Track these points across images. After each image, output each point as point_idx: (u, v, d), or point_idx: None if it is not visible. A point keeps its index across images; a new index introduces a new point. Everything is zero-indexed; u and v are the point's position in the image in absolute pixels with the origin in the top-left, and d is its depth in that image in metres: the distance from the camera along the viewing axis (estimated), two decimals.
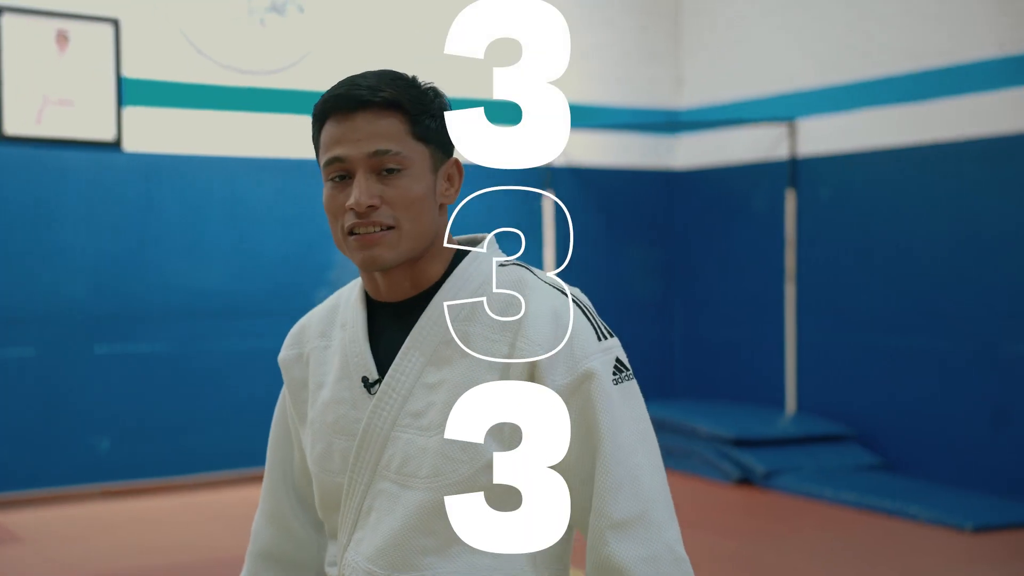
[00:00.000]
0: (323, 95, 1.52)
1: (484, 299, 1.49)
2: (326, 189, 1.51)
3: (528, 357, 1.44)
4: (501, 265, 1.54)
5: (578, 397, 1.45)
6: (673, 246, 8.15)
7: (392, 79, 1.52)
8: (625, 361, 1.52)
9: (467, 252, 1.56)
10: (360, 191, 1.45)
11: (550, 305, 1.48)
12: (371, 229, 1.46)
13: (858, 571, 4.77)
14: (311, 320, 1.66)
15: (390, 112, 1.49)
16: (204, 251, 6.47)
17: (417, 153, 1.50)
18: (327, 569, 1.62)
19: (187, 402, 6.34)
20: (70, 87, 6.06)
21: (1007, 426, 5.90)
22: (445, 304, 1.49)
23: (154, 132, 6.33)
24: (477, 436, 1.40)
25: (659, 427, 6.97)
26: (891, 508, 5.50)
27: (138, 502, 5.95)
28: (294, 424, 1.67)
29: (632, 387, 1.52)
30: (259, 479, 6.25)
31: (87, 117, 6.12)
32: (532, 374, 1.45)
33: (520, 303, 1.48)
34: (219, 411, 6.43)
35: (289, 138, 6.60)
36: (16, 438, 5.92)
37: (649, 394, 8.10)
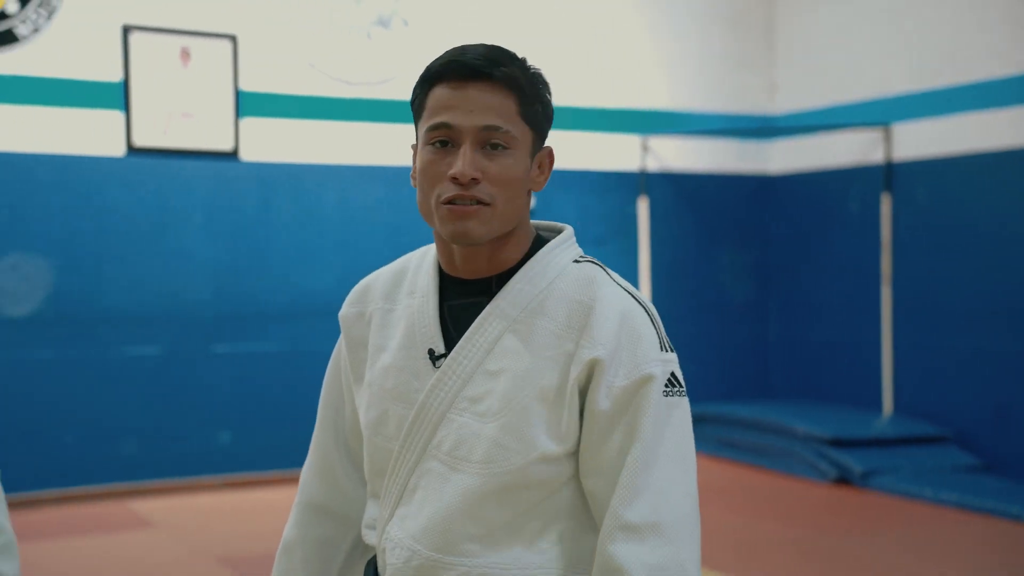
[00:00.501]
0: (436, 59, 1.50)
1: (554, 293, 1.49)
2: (425, 153, 1.48)
3: (590, 354, 1.44)
4: (576, 261, 1.54)
5: (627, 397, 1.44)
6: (768, 249, 8.24)
7: (508, 56, 1.50)
8: (680, 377, 1.50)
9: (543, 241, 1.56)
10: (465, 162, 1.43)
11: (619, 307, 1.48)
12: (468, 203, 1.44)
13: (961, 568, 4.83)
14: (376, 280, 1.63)
15: (505, 89, 1.47)
16: (315, 254, 6.78)
17: (522, 134, 1.48)
18: (364, 531, 1.60)
19: (301, 398, 6.64)
20: (192, 100, 6.43)
21: None
22: (516, 294, 1.49)
23: (269, 142, 6.67)
24: (533, 429, 1.43)
25: (755, 427, 7.08)
26: (992, 508, 5.53)
27: (257, 492, 6.28)
28: (348, 381, 1.64)
29: (682, 404, 1.49)
30: None
31: (207, 128, 6.48)
32: (592, 372, 1.44)
33: (587, 297, 1.48)
34: None
35: (396, 146, 6.88)
36: (144, 431, 6.29)
37: (744, 394, 8.25)
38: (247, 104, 6.60)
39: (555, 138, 6.66)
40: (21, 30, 6.00)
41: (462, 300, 1.52)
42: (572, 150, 7.51)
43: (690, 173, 7.99)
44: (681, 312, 7.84)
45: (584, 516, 1.50)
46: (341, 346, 1.64)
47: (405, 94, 6.85)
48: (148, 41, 6.31)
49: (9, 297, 5.95)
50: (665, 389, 1.45)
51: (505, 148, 1.45)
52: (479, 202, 1.44)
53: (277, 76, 6.68)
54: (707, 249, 8.05)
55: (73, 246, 6.11)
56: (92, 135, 6.22)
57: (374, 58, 6.92)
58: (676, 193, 7.94)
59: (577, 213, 7.58)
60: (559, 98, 7.47)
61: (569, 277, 1.50)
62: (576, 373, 1.44)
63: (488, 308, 1.49)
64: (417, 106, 1.52)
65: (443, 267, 1.55)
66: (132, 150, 6.29)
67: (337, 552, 1.68)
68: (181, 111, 6.40)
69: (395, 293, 1.59)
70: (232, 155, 6.56)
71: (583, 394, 1.45)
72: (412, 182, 1.51)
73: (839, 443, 6.50)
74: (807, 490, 6.32)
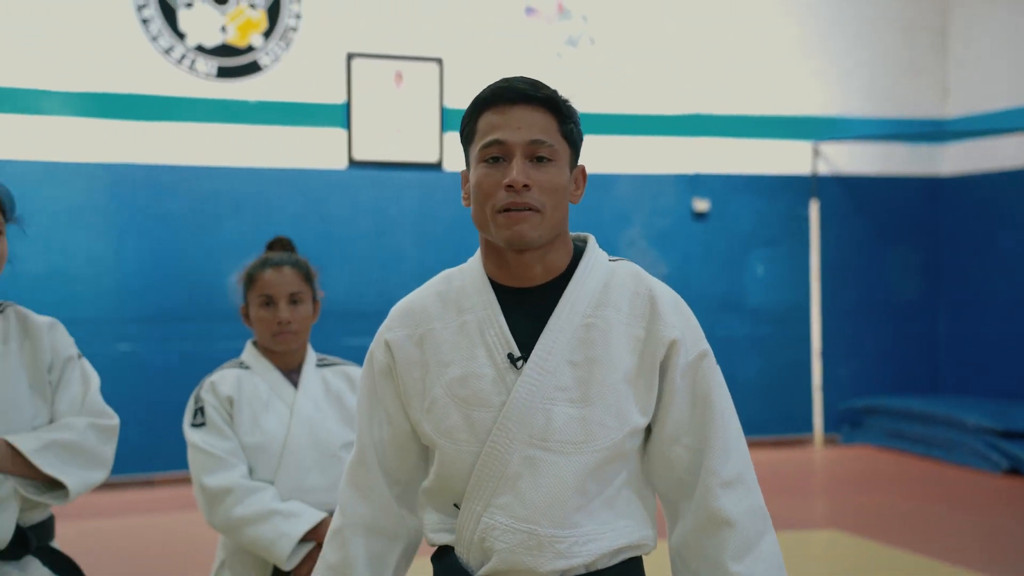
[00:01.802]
0: (482, 91, 1.68)
1: (612, 288, 1.67)
2: (479, 170, 1.64)
3: (668, 336, 1.64)
4: (611, 260, 1.72)
5: (693, 371, 1.67)
6: (937, 249, 8.48)
7: (545, 85, 1.69)
8: None
9: (578, 247, 1.73)
10: (518, 171, 1.60)
11: (670, 295, 1.70)
12: (521, 209, 1.60)
13: None
14: (417, 305, 1.72)
15: (546, 109, 1.65)
16: None
17: (562, 149, 1.66)
18: (432, 535, 1.68)
19: None
20: (403, 118, 7.18)
21: None
22: (580, 292, 1.66)
23: None
24: (626, 407, 1.62)
25: (926, 419, 7.39)
26: None
27: None
28: (393, 401, 1.71)
29: (720, 373, 1.74)
30: None
31: (415, 142, 7.22)
32: (668, 351, 1.65)
33: (646, 290, 1.68)
34: None
35: (584, 154, 7.45)
36: None
37: (914, 389, 8.56)
38: (451, 119, 7.31)
39: (731, 145, 7.27)
40: (264, 60, 6.88)
41: (524, 307, 1.66)
42: (747, 156, 7.96)
43: (861, 176, 8.32)
44: (851, 310, 8.18)
45: (641, 480, 1.70)
46: (386, 368, 1.70)
47: (591, 107, 7.50)
48: (367, 66, 7.09)
49: None
50: (714, 359, 1.71)
51: (550, 160, 1.63)
52: (531, 208, 1.60)
53: (476, 93, 7.36)
54: (877, 249, 8.35)
55: (302, 249, 6.91)
56: (319, 151, 7.05)
57: (563, 74, 7.53)
58: (847, 196, 8.28)
59: (751, 215, 8.01)
60: (735, 107, 7.97)
61: (618, 273, 1.69)
62: (658, 353, 1.64)
63: (559, 307, 1.64)
64: (468, 133, 1.69)
65: (495, 279, 1.68)
66: (353, 163, 7.09)
67: (386, 568, 1.73)
68: (394, 127, 7.16)
69: (444, 312, 1.69)
70: (437, 166, 7.29)
71: (662, 371, 1.66)
72: (464, 203, 1.70)
73: (1010, 435, 6.76)
74: (978, 479, 6.61)
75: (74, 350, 2.21)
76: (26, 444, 2.05)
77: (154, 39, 6.69)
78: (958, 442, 7.03)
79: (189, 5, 6.76)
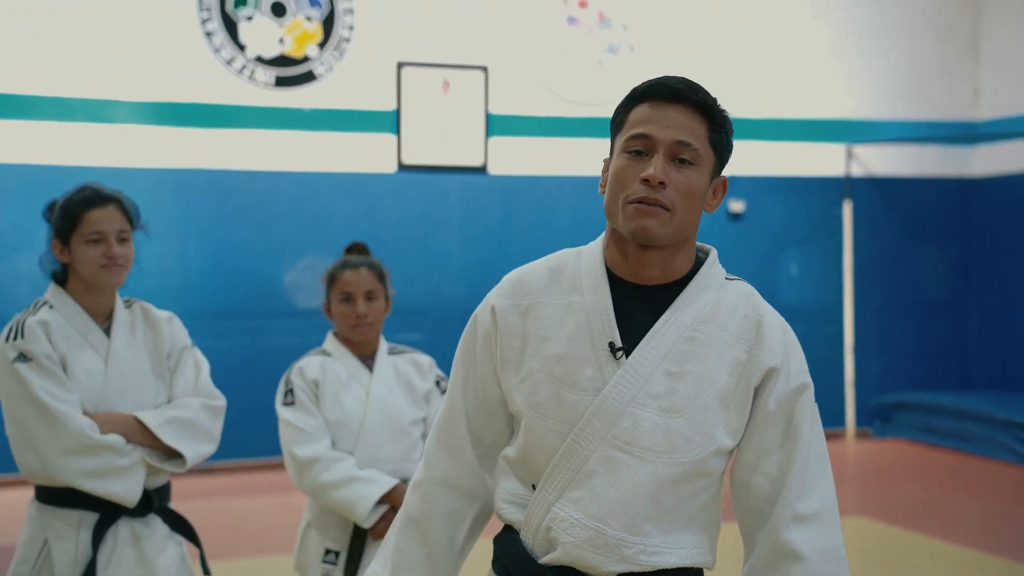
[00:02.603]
0: (642, 83, 1.69)
1: (723, 306, 1.66)
2: (620, 159, 1.64)
3: (767, 363, 1.63)
4: (728, 278, 1.71)
5: (790, 402, 1.64)
6: (968, 248, 8.70)
7: (704, 89, 1.68)
8: None
9: (703, 257, 1.72)
10: (658, 167, 1.59)
11: (779, 322, 1.68)
12: (653, 204, 1.59)
13: None
14: (529, 277, 1.73)
15: (699, 113, 1.64)
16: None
17: (707, 155, 1.63)
18: (503, 505, 1.70)
19: None
20: (450, 123, 7.52)
21: None
22: (691, 303, 1.64)
23: (513, 157, 7.70)
24: (714, 426, 1.61)
25: (955, 414, 7.63)
26: None
27: None
28: (488, 366, 1.72)
29: (817, 410, 1.71)
30: None
31: (461, 147, 7.56)
32: (765, 377, 1.63)
33: (755, 313, 1.66)
34: None
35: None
36: None
37: (944, 384, 8.78)
38: (494, 125, 7.64)
39: (765, 148, 7.62)
40: (319, 70, 7.24)
41: (635, 303, 1.65)
42: (781, 158, 8.23)
43: (893, 177, 8.55)
44: (883, 307, 8.42)
45: (716, 505, 1.70)
46: (488, 333, 1.72)
47: None
48: (416, 74, 7.44)
49: (305, 292, 7.19)
50: (814, 396, 1.68)
51: (692, 164, 1.61)
52: (661, 206, 1.59)
53: (520, 100, 7.70)
54: (909, 248, 8.58)
55: None
56: (370, 155, 7.40)
57: (604, 81, 7.84)
58: (879, 196, 8.51)
59: (785, 216, 8.28)
60: (769, 111, 8.25)
61: (731, 291, 1.67)
62: (754, 378, 1.62)
63: (667, 314, 1.63)
64: (619, 122, 1.68)
65: (612, 269, 1.68)
66: (402, 167, 7.44)
67: (462, 524, 1.76)
68: (440, 133, 7.50)
69: (553, 288, 1.70)
70: (482, 170, 7.62)
71: (756, 396, 1.64)
72: (600, 190, 1.71)
73: None
74: (1005, 471, 6.85)
75: (188, 340, 2.57)
76: (151, 420, 2.41)
77: (216, 51, 7.07)
78: (987, 436, 7.26)
79: (249, 18, 7.14)
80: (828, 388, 8.37)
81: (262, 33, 7.17)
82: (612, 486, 1.59)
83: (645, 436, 1.59)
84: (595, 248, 1.71)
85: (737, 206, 8.13)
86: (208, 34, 7.06)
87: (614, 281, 1.66)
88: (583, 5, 7.82)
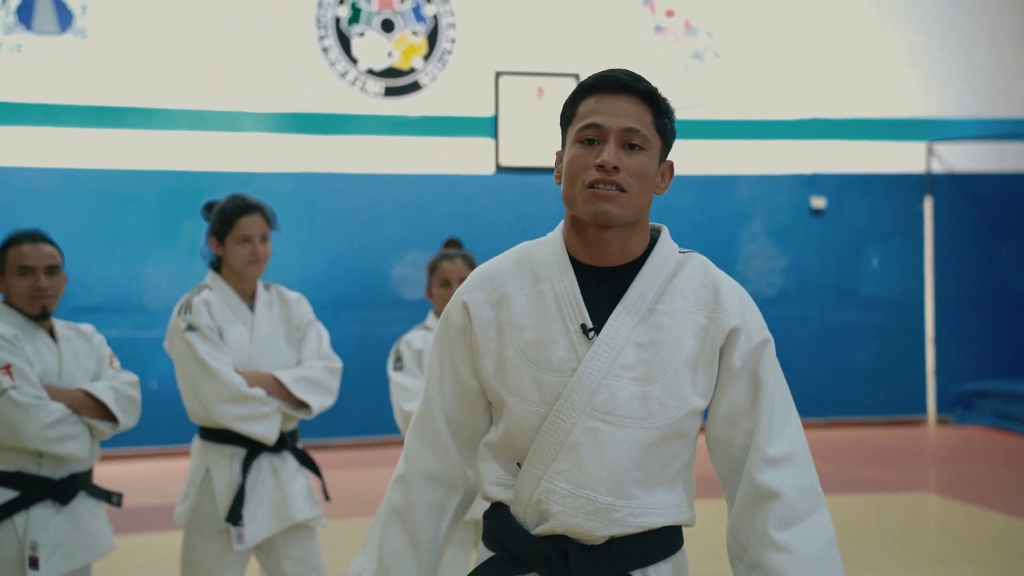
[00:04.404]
0: (588, 78, 1.77)
1: (680, 277, 1.76)
2: (573, 149, 1.73)
3: (728, 324, 1.72)
4: (682, 251, 1.81)
5: (754, 357, 1.74)
6: None
7: (647, 80, 1.76)
8: None
9: (656, 236, 1.81)
10: (610, 153, 1.68)
11: (734, 286, 1.78)
12: (609, 187, 1.68)
13: None
14: (497, 271, 1.80)
15: (644, 102, 1.72)
16: None
17: (655, 140, 1.73)
18: (490, 487, 1.77)
19: None
20: (543, 127, 8.10)
21: None
22: (652, 278, 1.74)
23: None
24: (686, 389, 1.70)
25: None
26: None
27: None
28: (464, 359, 1.78)
29: (778, 363, 1.80)
30: None
31: (553, 148, 8.09)
32: (728, 338, 1.73)
33: (711, 281, 1.76)
34: None
35: (705, 159, 8.26)
36: None
37: None
38: None
39: (847, 147, 8.10)
40: (423, 80, 7.92)
41: (598, 284, 1.74)
42: (862, 156, 8.59)
43: (974, 174, 8.82)
44: (964, 299, 8.71)
45: (692, 466, 1.80)
46: (463, 328, 1.78)
47: (715, 114, 8.27)
48: (513, 83, 8.05)
49: (411, 284, 7.86)
50: (774, 350, 1.79)
51: (641, 149, 1.70)
52: (618, 188, 1.68)
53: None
54: (989, 242, 8.84)
55: None
56: (469, 158, 8.04)
57: (690, 86, 8.33)
58: (960, 192, 8.80)
59: (866, 212, 8.63)
60: (852, 110, 8.61)
61: (687, 264, 1.78)
62: (718, 340, 1.72)
63: (631, 291, 1.73)
64: (568, 115, 1.78)
65: (574, 255, 1.77)
66: (499, 169, 8.06)
67: (445, 515, 1.82)
68: (534, 136, 8.10)
69: (521, 280, 1.77)
70: None
71: (722, 357, 1.74)
72: (556, 180, 1.80)
73: None
74: None
75: (312, 316, 3.22)
76: (286, 377, 3.06)
77: (332, 64, 7.80)
78: None
79: (361, 34, 7.85)
80: (910, 377, 8.70)
81: (373, 47, 7.87)
82: (597, 455, 1.67)
83: (623, 405, 1.68)
84: (555, 238, 1.81)
85: (819, 202, 8.52)
86: (325, 50, 7.79)
87: (577, 266, 1.75)
88: (670, 14, 8.32)
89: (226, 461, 3.01)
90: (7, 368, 2.79)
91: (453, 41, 7.99)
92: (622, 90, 1.72)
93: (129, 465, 7.02)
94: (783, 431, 1.73)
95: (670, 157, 1.81)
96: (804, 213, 8.54)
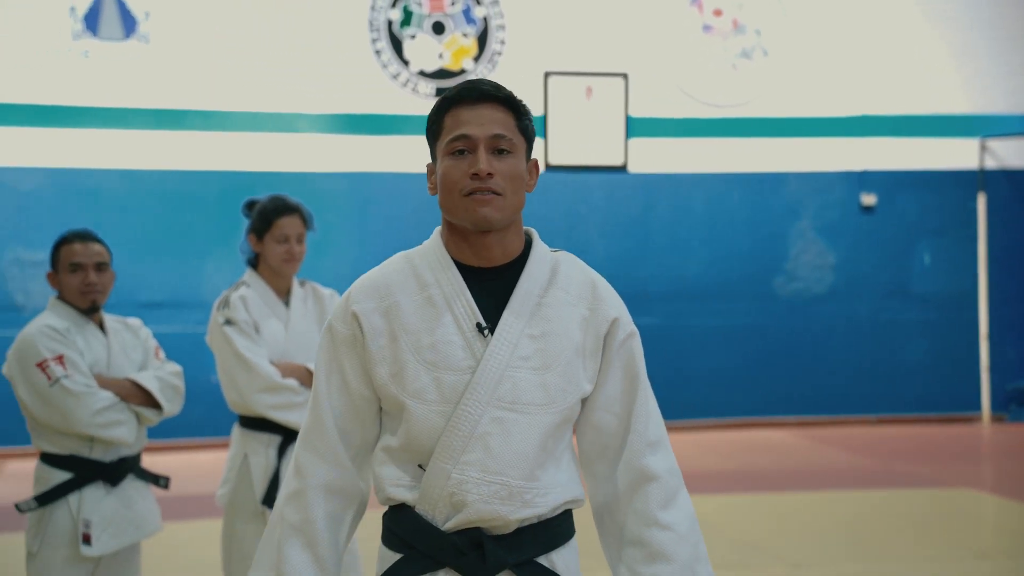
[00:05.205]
0: (450, 90, 1.83)
1: (559, 273, 1.86)
2: (446, 161, 1.79)
3: (610, 314, 1.84)
4: (552, 251, 1.90)
5: (626, 348, 1.86)
6: None
7: (502, 86, 1.85)
8: None
9: (530, 238, 1.89)
10: (482, 161, 1.76)
11: (604, 281, 1.90)
12: (486, 193, 1.76)
13: None
14: (382, 281, 1.86)
15: (505, 108, 1.81)
16: (686, 247, 8.37)
17: (520, 142, 1.82)
18: (392, 490, 1.80)
19: (674, 364, 8.28)
20: (592, 127, 8.22)
21: None
22: (536, 275, 1.83)
23: (651, 157, 8.34)
24: (577, 375, 1.81)
25: None
26: None
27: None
28: (353, 369, 1.83)
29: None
30: (729, 427, 8.02)
31: (603, 148, 8.25)
32: (611, 328, 1.85)
33: (587, 276, 1.88)
34: (699, 373, 8.30)
35: (754, 156, 8.31)
36: None
37: None
38: (634, 127, 8.29)
39: (898, 143, 8.10)
40: None
41: (484, 284, 1.82)
42: (913, 153, 8.57)
43: None
44: (1018, 295, 8.64)
45: (571, 443, 1.88)
46: (352, 339, 1.83)
47: (764, 112, 8.30)
48: (561, 83, 8.18)
49: None
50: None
51: (509, 152, 1.79)
52: (494, 192, 1.76)
53: (658, 103, 8.33)
54: None
55: None
56: None
57: (739, 84, 8.38)
58: (1013, 188, 8.72)
59: (918, 208, 8.61)
60: (902, 107, 8.55)
61: (562, 261, 1.88)
62: (602, 329, 1.84)
63: (519, 288, 1.82)
64: (435, 129, 1.83)
65: (458, 259, 1.84)
66: (548, 167, 8.19)
67: (343, 526, 1.86)
68: (583, 135, 8.22)
69: (408, 287, 1.83)
70: (622, 169, 8.29)
71: (605, 345, 1.85)
72: (431, 192, 1.86)
73: None
74: None
75: None
76: None
77: (384, 67, 8.01)
78: None
79: (413, 37, 8.04)
80: (963, 374, 8.66)
81: (424, 49, 8.06)
82: (506, 442, 1.75)
83: (526, 393, 1.77)
84: (435, 244, 1.86)
85: (869, 199, 8.52)
86: (377, 52, 8.00)
87: (462, 269, 1.82)
88: (718, 13, 8.38)
89: (262, 447, 3.19)
90: (60, 358, 3.00)
91: (503, 42, 8.14)
92: (484, 99, 1.79)
93: (192, 455, 7.31)
94: (655, 416, 1.87)
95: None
96: (854, 210, 8.54)
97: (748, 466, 6.93)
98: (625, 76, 8.25)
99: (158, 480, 3.25)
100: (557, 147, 8.19)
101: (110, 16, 7.70)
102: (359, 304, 1.83)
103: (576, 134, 8.21)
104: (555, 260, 1.86)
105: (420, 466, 1.78)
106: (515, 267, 1.84)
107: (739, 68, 8.39)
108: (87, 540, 3.04)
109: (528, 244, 1.87)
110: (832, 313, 8.53)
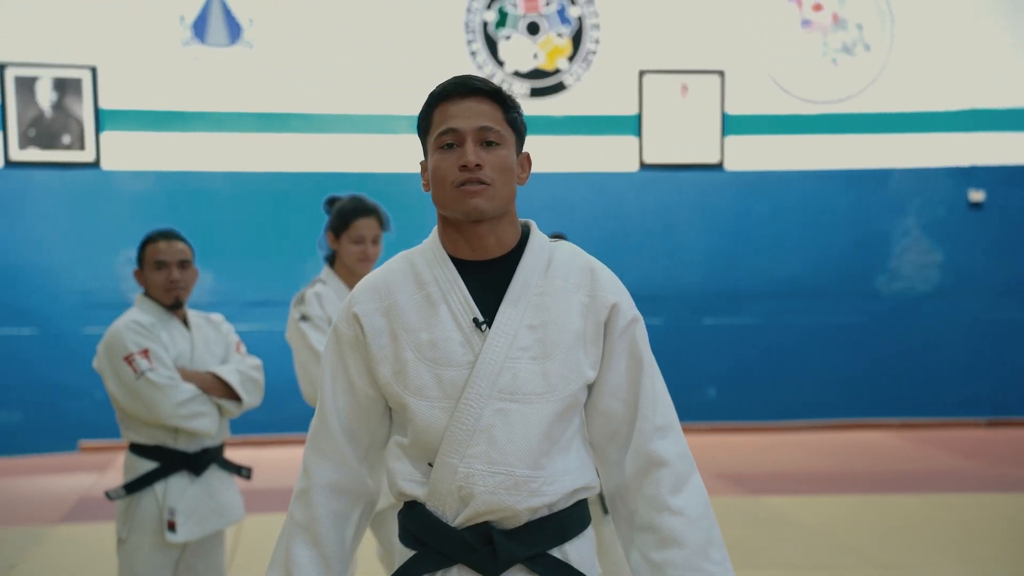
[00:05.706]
0: (437, 87, 1.86)
1: (557, 262, 1.86)
2: (436, 156, 1.82)
3: (609, 300, 1.84)
4: (550, 238, 1.91)
5: (629, 334, 1.86)
6: None
7: (489, 80, 1.87)
8: None
9: (526, 230, 1.90)
10: (471, 153, 1.78)
11: (605, 268, 1.90)
12: (475, 184, 1.78)
13: None
14: (382, 281, 1.88)
15: (493, 101, 1.83)
16: (783, 245, 8.24)
17: (508, 135, 1.83)
18: (404, 484, 1.83)
19: (777, 361, 8.17)
20: (687, 124, 8.16)
21: None
22: (533, 265, 1.84)
23: (748, 154, 8.23)
24: (579, 362, 1.81)
25: None
26: None
27: (736, 437, 7.89)
28: (357, 369, 1.86)
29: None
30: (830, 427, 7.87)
31: (699, 146, 8.18)
32: (610, 314, 1.84)
33: (586, 263, 1.88)
34: (800, 372, 8.17)
35: (856, 152, 8.13)
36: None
37: None
38: (730, 124, 8.20)
39: (1008, 138, 7.87)
40: (568, 80, 8.11)
41: (481, 276, 1.84)
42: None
43: None
44: None
45: (582, 430, 1.89)
46: (355, 339, 1.86)
47: (865, 107, 8.13)
48: (656, 81, 8.14)
49: None
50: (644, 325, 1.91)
51: (497, 144, 1.81)
52: (483, 183, 1.79)
53: (755, 100, 8.22)
54: None
55: (600, 242, 8.10)
56: (614, 156, 8.18)
57: (839, 79, 8.21)
58: None
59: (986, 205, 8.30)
60: (1012, 100, 8.30)
61: (559, 250, 1.88)
62: (602, 315, 1.84)
63: (516, 279, 1.83)
64: (424, 125, 1.87)
65: (453, 254, 1.86)
66: (643, 166, 8.17)
67: (349, 524, 1.88)
68: (680, 133, 8.16)
69: (407, 286, 1.85)
70: (718, 166, 8.21)
71: (606, 331, 1.85)
72: (424, 188, 1.87)
73: None
74: None
75: None
76: None
77: (480, 67, 8.09)
78: None
79: (508, 38, 8.11)
80: None
81: (519, 50, 8.12)
82: (510, 433, 1.77)
83: (527, 383, 1.78)
84: (432, 241, 1.89)
85: (977, 195, 8.25)
86: (472, 53, 8.09)
87: (457, 263, 1.85)
88: (818, 8, 8.23)
89: None
90: (145, 352, 3.15)
91: (597, 42, 8.15)
92: (470, 93, 1.82)
93: (291, 449, 7.51)
94: (662, 401, 1.86)
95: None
96: (962, 207, 8.29)
97: (848, 468, 6.80)
98: (721, 73, 8.17)
99: (240, 470, 3.36)
100: (652, 145, 8.16)
101: (216, 23, 7.96)
102: (360, 305, 1.85)
103: (671, 132, 8.16)
104: (553, 249, 1.88)
105: (430, 464, 1.80)
106: (512, 258, 1.85)
107: (840, 64, 8.23)
108: (172, 527, 3.18)
109: (526, 236, 1.88)
110: (938, 312, 8.29)
